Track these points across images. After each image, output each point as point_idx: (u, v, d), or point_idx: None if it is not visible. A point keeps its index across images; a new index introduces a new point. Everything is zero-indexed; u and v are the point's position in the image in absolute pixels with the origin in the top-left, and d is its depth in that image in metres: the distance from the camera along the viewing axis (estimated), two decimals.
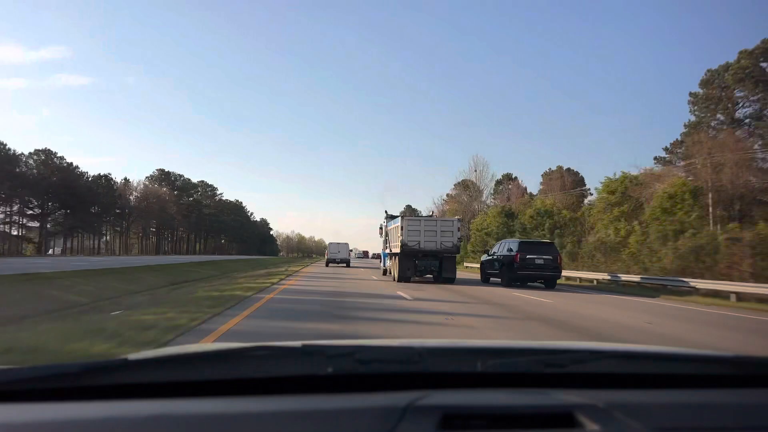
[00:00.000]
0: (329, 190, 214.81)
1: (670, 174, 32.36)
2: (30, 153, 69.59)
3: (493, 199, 65.74)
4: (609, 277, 22.69)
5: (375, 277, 23.30)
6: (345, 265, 39.48)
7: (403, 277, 19.55)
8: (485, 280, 21.88)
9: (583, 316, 10.43)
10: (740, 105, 39.26)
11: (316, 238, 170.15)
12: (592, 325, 8.97)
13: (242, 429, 0.93)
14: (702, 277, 18.21)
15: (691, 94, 42.05)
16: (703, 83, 40.89)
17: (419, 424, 0.94)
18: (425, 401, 1.01)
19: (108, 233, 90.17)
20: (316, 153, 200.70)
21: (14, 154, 64.92)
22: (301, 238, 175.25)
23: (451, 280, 19.99)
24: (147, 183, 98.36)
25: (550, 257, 18.66)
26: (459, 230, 20.14)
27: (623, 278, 21.80)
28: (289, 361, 1.20)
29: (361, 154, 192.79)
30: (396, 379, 1.15)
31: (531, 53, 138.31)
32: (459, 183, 67.92)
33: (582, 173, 60.79)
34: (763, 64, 36.69)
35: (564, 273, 25.62)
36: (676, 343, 7.15)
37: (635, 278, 21.28)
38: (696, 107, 41.55)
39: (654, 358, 1.47)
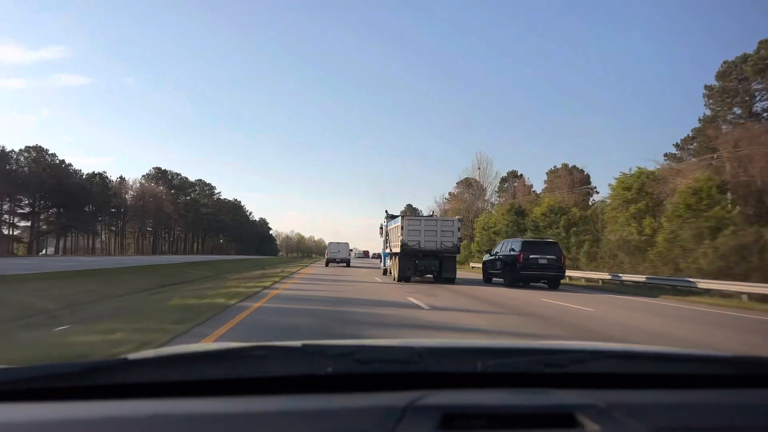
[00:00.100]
0: (329, 190, 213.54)
1: (691, 168, 30.56)
2: (20, 150, 67.89)
3: (498, 197, 64.09)
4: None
5: (379, 279, 21.40)
6: (345, 265, 39.08)
7: (403, 277, 19.48)
8: (487, 280, 21.45)
9: (654, 332, 8.51)
10: (758, 98, 37.87)
11: (316, 238, 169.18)
12: (690, 344, 7.06)
13: (242, 429, 0.92)
14: (748, 279, 16.30)
15: (706, 87, 40.82)
16: (720, 75, 39.48)
17: (419, 424, 0.93)
18: (425, 401, 1.00)
19: (103, 233, 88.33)
20: (316, 153, 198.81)
21: (4, 151, 63.19)
22: (301, 238, 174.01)
23: (452, 280, 19.77)
24: (143, 181, 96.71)
25: (554, 257, 18.28)
26: (459, 230, 20.10)
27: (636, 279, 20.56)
28: (289, 361, 1.19)
29: (361, 154, 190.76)
30: (396, 379, 1.13)
31: (531, 53, 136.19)
32: (462, 181, 66.38)
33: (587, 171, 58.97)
34: None
35: (575, 273, 24.21)
36: None
37: (664, 280, 19.64)
38: (711, 100, 40.31)
39: (654, 358, 1.45)
